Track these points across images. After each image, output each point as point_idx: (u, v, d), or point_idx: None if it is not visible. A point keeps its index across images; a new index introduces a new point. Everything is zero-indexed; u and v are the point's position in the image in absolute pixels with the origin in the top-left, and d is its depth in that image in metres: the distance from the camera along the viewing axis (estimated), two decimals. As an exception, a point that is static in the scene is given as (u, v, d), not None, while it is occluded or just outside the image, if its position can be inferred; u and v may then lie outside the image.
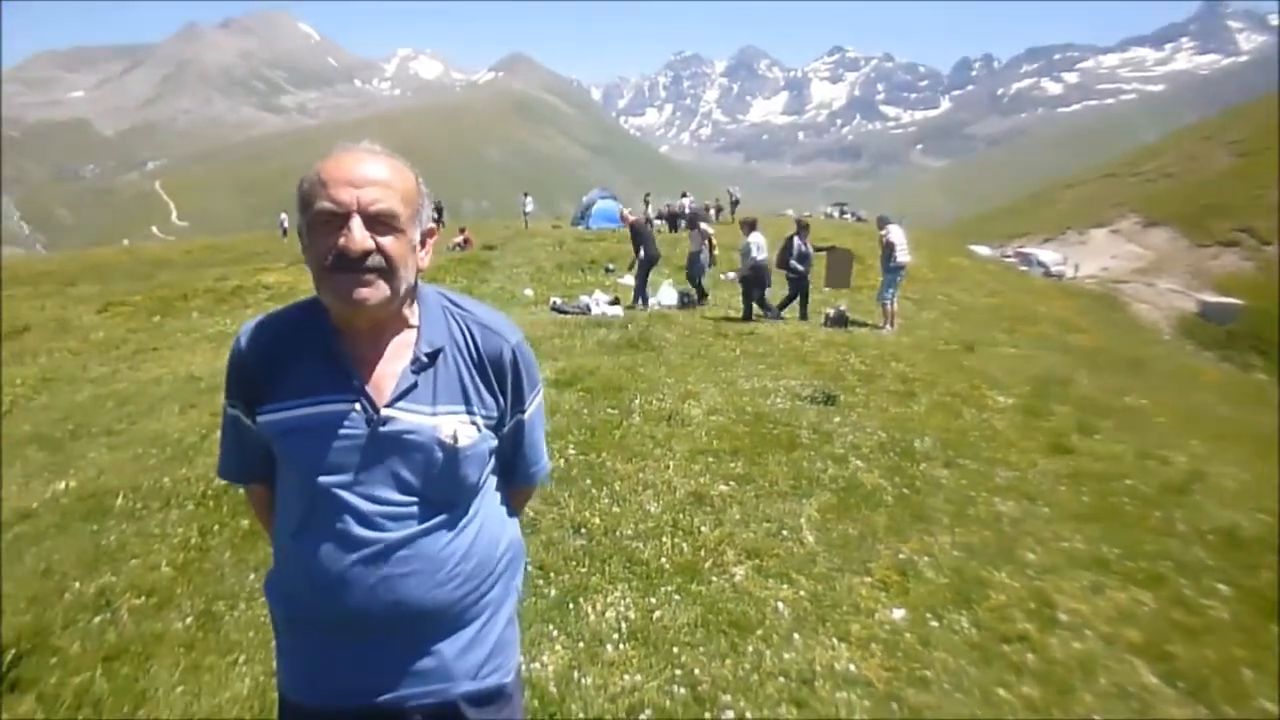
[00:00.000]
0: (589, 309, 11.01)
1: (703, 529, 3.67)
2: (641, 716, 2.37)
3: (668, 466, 4.42)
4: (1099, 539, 3.79)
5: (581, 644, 2.72)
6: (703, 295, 12.37)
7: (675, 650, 2.70)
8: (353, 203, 1.07)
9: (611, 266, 16.16)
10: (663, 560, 3.35)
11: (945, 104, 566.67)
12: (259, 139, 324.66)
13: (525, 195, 32.07)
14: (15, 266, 28.69)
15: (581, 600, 3.01)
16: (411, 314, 1.21)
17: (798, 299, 11.28)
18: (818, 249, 12.91)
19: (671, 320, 9.64)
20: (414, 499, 1.15)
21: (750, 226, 11.12)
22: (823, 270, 14.35)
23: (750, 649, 2.73)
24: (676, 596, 3.06)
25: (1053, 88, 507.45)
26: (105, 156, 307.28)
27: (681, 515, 3.81)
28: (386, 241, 1.09)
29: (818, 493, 4.16)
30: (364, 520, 1.13)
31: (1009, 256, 34.55)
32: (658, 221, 26.94)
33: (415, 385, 1.16)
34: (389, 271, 1.10)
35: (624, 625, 2.84)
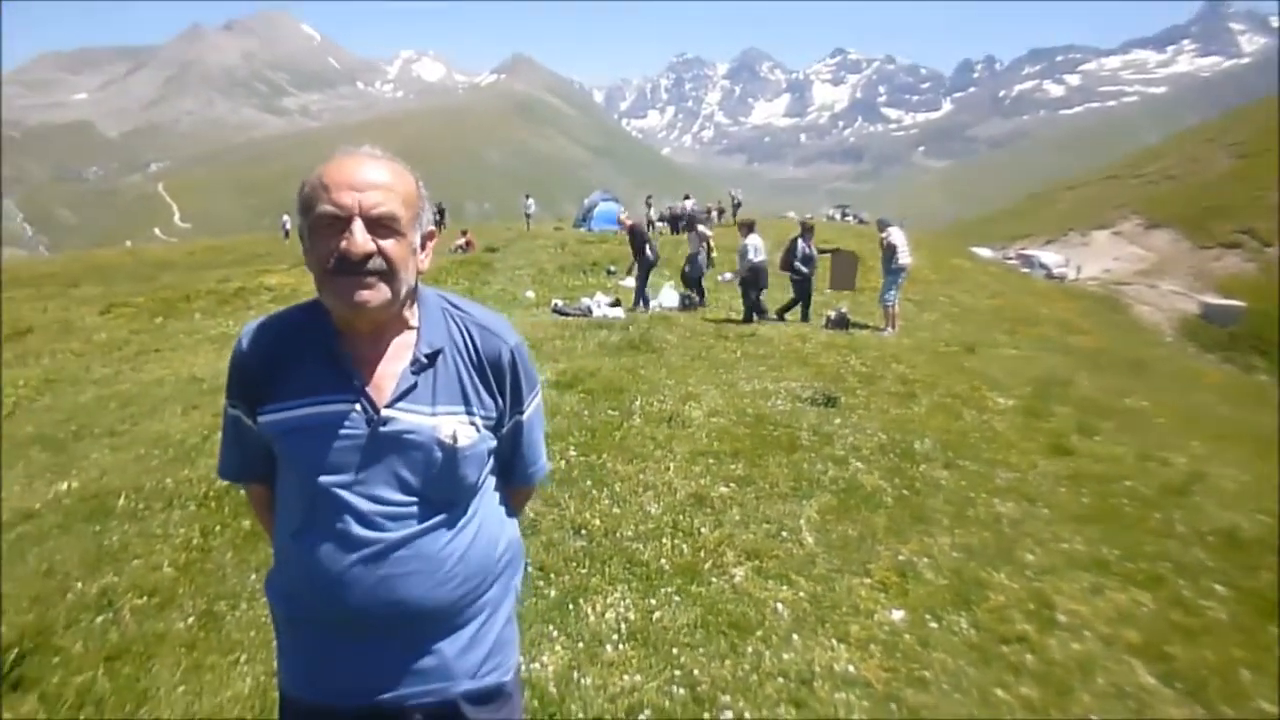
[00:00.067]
0: (590, 311, 11.02)
1: (703, 530, 3.68)
2: (641, 717, 2.38)
3: (668, 468, 4.43)
4: (1098, 540, 3.79)
5: (581, 644, 2.73)
6: (702, 297, 12.39)
7: (675, 651, 2.70)
8: (354, 206, 1.08)
9: (613, 269, 16.18)
10: (663, 561, 3.36)
11: (947, 106, 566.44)
12: (261, 140, 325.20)
13: (527, 197, 32.11)
14: (18, 268, 28.79)
15: (581, 601, 3.02)
16: (411, 315, 1.22)
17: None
18: (821, 251, 12.92)
19: (672, 322, 9.65)
20: (413, 499, 1.16)
21: (748, 228, 11.13)
22: (827, 272, 14.36)
23: (749, 650, 2.74)
24: (676, 597, 3.07)
25: (1055, 89, 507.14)
26: (108, 158, 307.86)
27: (682, 517, 3.82)
28: (387, 244, 1.11)
29: (818, 494, 4.17)
30: (364, 520, 1.14)
31: (1011, 258, 34.51)
32: (659, 224, 26.95)
33: (415, 386, 1.18)
34: (390, 274, 1.11)
35: (624, 626, 2.85)
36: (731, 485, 4.25)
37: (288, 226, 31.28)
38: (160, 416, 6.13)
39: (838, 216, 45.23)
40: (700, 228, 13.09)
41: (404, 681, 1.18)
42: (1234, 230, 33.59)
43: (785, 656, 2.70)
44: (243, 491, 1.80)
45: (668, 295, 12.70)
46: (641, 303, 11.92)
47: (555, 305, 11.80)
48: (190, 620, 2.92)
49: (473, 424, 1.21)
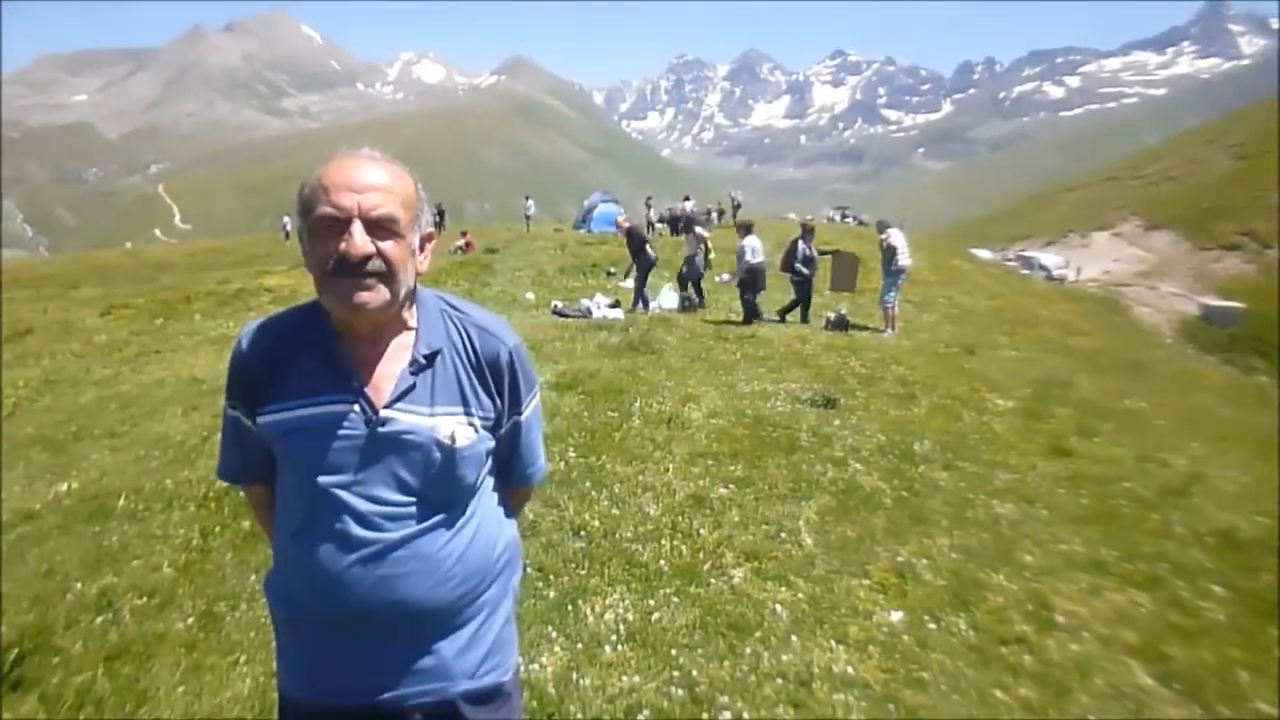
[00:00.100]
0: (590, 312, 11.03)
1: (702, 531, 3.68)
2: (639, 717, 2.38)
3: (667, 469, 4.44)
4: (1097, 541, 3.79)
5: (580, 645, 2.74)
6: (702, 298, 12.40)
7: (673, 652, 2.71)
8: (354, 208, 1.09)
9: (613, 270, 16.18)
10: (661, 562, 3.36)
11: (947, 107, 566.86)
12: (261, 142, 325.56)
13: (527, 198, 32.12)
14: (18, 269, 28.80)
15: (580, 602, 3.02)
16: (410, 317, 1.23)
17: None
18: (822, 252, 12.93)
19: (672, 323, 9.66)
20: (412, 499, 1.17)
21: (746, 230, 11.13)
22: (827, 274, 14.37)
23: (748, 651, 2.74)
24: (675, 599, 3.07)
25: (1054, 91, 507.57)
26: (108, 159, 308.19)
27: (681, 518, 3.82)
28: (387, 246, 1.11)
29: (817, 495, 4.18)
30: (363, 520, 1.14)
31: (1010, 259, 34.53)
32: (659, 225, 26.96)
33: (414, 386, 1.18)
34: (389, 276, 1.12)
35: (622, 627, 2.86)
36: (730, 487, 4.25)
37: (288, 228, 31.29)
38: (160, 418, 6.13)
39: (837, 218, 45.24)
40: (698, 229, 13.09)
41: (403, 681, 1.19)
42: (1234, 232, 33.60)
43: (784, 657, 2.71)
44: (242, 493, 1.80)
45: (667, 297, 12.70)
46: (641, 304, 11.92)
47: (555, 307, 11.80)
48: (190, 621, 2.92)
49: (471, 424, 1.21)
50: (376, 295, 1.11)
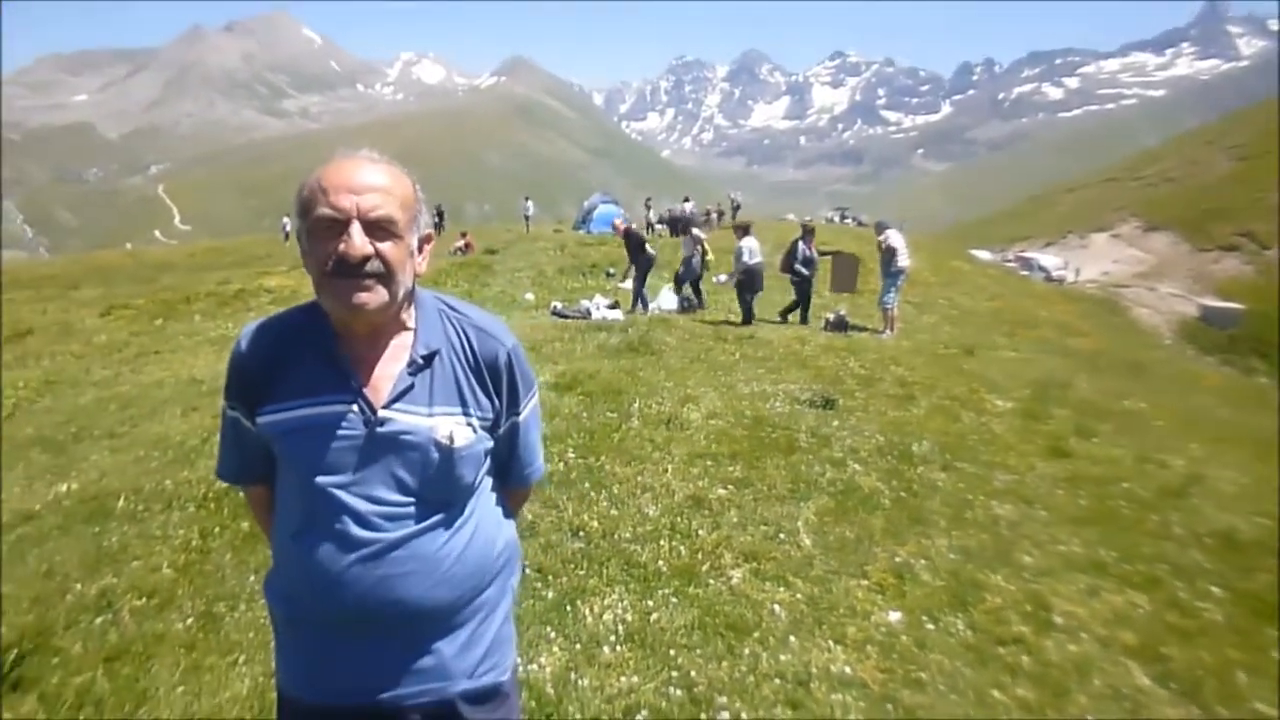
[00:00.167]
0: (589, 313, 11.03)
1: (700, 532, 3.69)
2: (638, 718, 2.38)
3: (666, 470, 4.44)
4: (1096, 542, 3.80)
5: (579, 646, 2.74)
6: (701, 299, 12.40)
7: (672, 652, 2.71)
8: (352, 209, 1.09)
9: (612, 271, 16.19)
10: (660, 563, 3.37)
11: (946, 108, 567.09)
12: (261, 142, 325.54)
13: (527, 199, 32.14)
14: (18, 269, 28.81)
15: (579, 602, 3.03)
16: (409, 317, 1.23)
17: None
18: (822, 253, 12.94)
19: (671, 324, 9.66)
20: (411, 499, 1.17)
21: (744, 231, 11.14)
22: (827, 274, 14.38)
23: (747, 651, 2.75)
24: (674, 599, 3.08)
25: (1054, 92, 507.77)
26: (108, 160, 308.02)
27: (679, 518, 3.83)
28: (385, 247, 1.12)
29: (815, 496, 4.18)
30: (362, 520, 1.15)
31: (1010, 260, 34.55)
32: (659, 226, 26.97)
33: (412, 387, 1.19)
34: (387, 276, 1.13)
35: (621, 627, 2.86)
36: (729, 487, 4.25)
37: (288, 228, 31.28)
38: (160, 418, 6.13)
39: (837, 219, 45.28)
40: (694, 230, 13.09)
41: (402, 681, 1.19)
42: (1233, 233, 33.60)
43: (782, 658, 2.71)
44: (241, 493, 1.81)
45: (666, 298, 12.70)
46: (640, 305, 11.93)
47: (554, 307, 11.81)
48: (189, 621, 2.93)
49: (469, 425, 1.22)
50: (375, 296, 1.12)
